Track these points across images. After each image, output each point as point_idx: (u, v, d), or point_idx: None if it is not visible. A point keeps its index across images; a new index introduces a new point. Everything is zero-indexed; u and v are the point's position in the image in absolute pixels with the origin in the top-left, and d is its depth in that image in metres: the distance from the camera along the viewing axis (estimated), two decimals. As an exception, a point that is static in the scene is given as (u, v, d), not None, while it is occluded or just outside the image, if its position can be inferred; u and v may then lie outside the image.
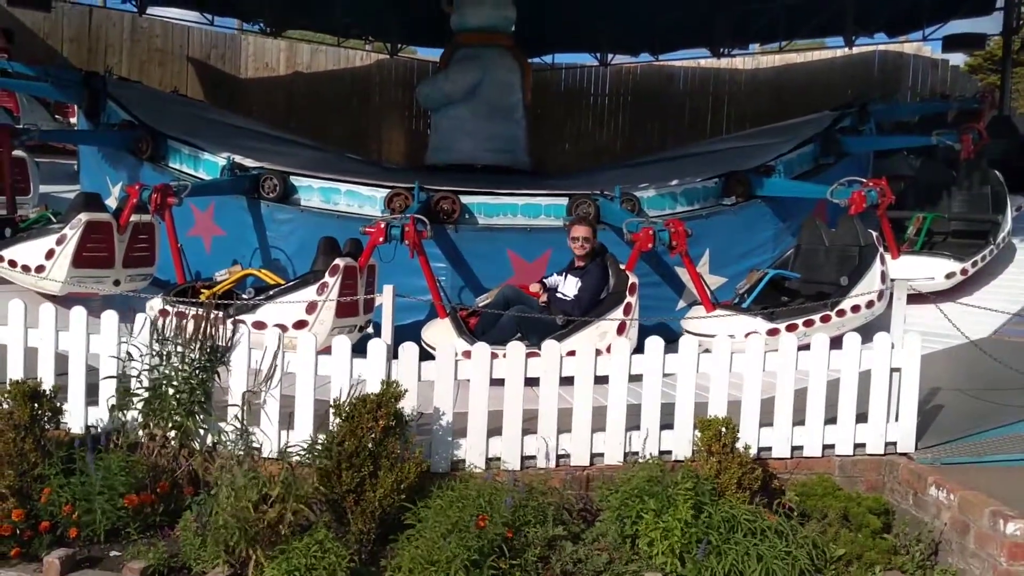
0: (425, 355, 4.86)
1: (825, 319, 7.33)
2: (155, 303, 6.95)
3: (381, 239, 7.16)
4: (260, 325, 6.79)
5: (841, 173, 9.21)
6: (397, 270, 7.59)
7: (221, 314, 4.96)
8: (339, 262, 6.94)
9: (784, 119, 12.71)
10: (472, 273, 8.33)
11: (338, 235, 7.66)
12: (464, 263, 8.32)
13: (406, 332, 7.32)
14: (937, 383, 6.20)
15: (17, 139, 8.53)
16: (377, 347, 4.75)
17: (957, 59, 25.96)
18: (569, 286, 7.27)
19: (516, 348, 4.88)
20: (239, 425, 4.51)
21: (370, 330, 8.09)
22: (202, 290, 7.40)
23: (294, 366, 4.79)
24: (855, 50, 16.78)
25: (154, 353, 4.81)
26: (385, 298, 4.91)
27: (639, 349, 5.05)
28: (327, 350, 4.83)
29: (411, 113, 19.84)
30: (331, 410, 4.46)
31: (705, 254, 8.79)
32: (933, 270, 8.38)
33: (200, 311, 4.86)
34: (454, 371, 4.80)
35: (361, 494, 4.31)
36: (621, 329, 6.91)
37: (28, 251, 7.41)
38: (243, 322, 6.70)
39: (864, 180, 8.14)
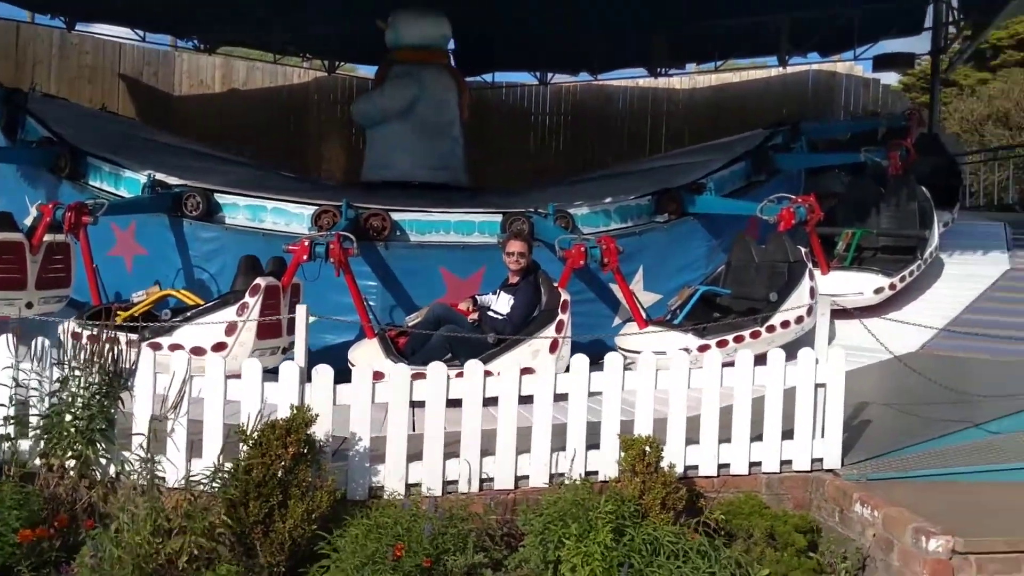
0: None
1: (755, 335, 7.33)
2: (68, 326, 6.66)
3: (305, 257, 6.98)
4: (177, 347, 6.58)
5: (773, 190, 9.26)
6: (326, 289, 7.43)
7: (124, 336, 4.74)
8: (260, 281, 6.73)
9: (721, 137, 12.80)
10: (404, 291, 8.17)
11: (264, 254, 7.46)
12: (395, 281, 8.16)
13: (336, 353, 7.19)
14: (866, 398, 6.22)
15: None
16: (289, 370, 4.57)
17: (891, 78, 26.64)
18: (501, 304, 7.15)
19: (436, 369, 4.74)
20: (143, 454, 4.29)
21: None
22: (118, 312, 7.11)
23: (202, 391, 4.58)
24: (789, 69, 17.07)
25: (53, 378, 4.57)
26: (298, 319, 4.72)
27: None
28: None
29: (350, 130, 19.61)
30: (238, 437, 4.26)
31: (639, 271, 8.74)
32: (862, 285, 8.44)
33: (108, 334, 4.63)
34: (371, 394, 4.64)
35: (270, 525, 4.11)
36: (553, 347, 6.82)
37: (-67, 273, 7.07)
38: (159, 345, 6.57)
39: (793, 197, 8.19)
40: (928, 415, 5.87)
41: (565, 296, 7.01)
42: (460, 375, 4.79)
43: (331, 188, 12.08)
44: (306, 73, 19.86)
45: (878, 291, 8.45)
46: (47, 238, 7.36)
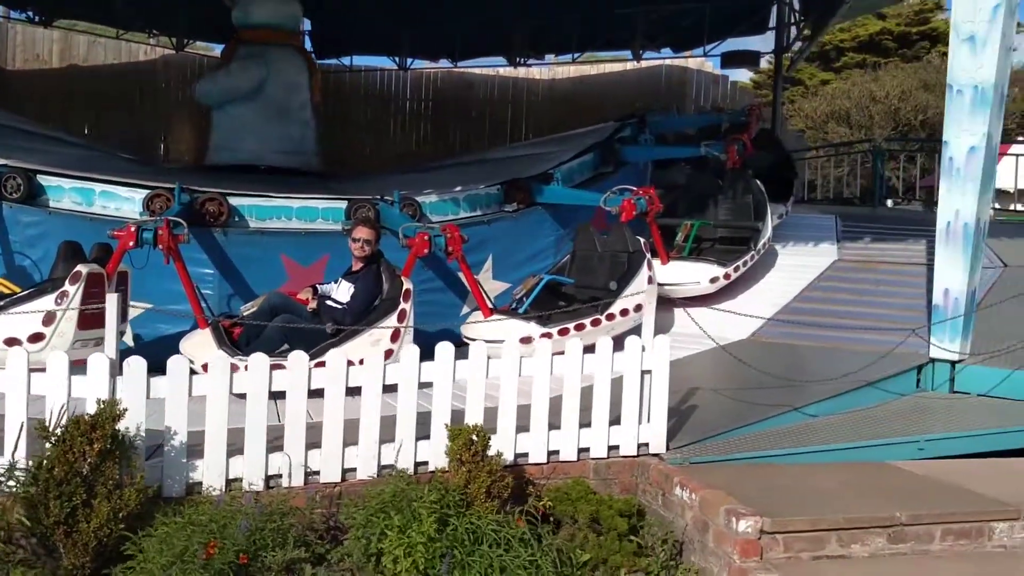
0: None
1: (595, 323, 7.47)
2: None
3: (132, 243, 6.64)
4: (-10, 339, 6.17)
5: (620, 181, 9.47)
6: (162, 276, 7.11)
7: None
8: (81, 268, 6.34)
9: (580, 128, 12.97)
10: (243, 279, 7.89)
11: (92, 240, 7.05)
12: (234, 269, 7.87)
13: (171, 343, 6.88)
14: (696, 384, 6.44)
15: None
16: (97, 362, 4.33)
17: (744, 75, 27.81)
18: (342, 293, 7.00)
19: (258, 360, 4.59)
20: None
21: (130, 341, 7.56)
22: (-76, 301, 6.59)
23: (3, 383, 4.29)
24: (644, 64, 17.50)
25: None
26: (108, 307, 4.48)
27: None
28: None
29: (200, 111, 18.85)
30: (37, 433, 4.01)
31: (488, 260, 8.76)
32: (698, 275, 8.74)
33: None
34: (188, 386, 4.45)
35: (74, 525, 3.89)
36: (395, 337, 6.74)
37: None
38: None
39: (634, 189, 8.37)
40: (752, 400, 6.13)
41: (408, 285, 6.93)
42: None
43: (172, 171, 11.58)
44: (153, 50, 18.97)
45: (713, 280, 8.76)
46: None
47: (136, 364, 4.39)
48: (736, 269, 8.98)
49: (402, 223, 7.79)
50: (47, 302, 6.28)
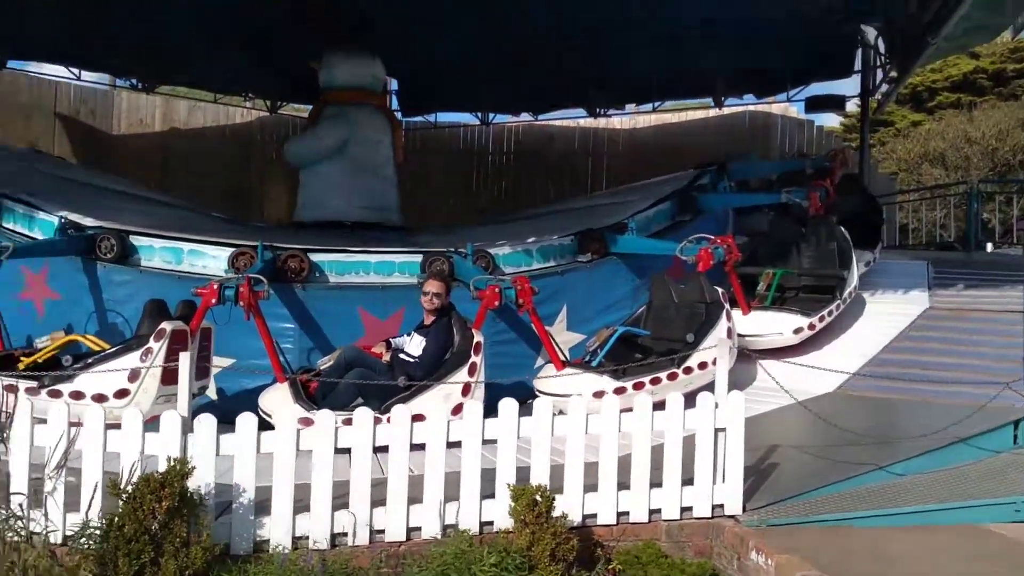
0: (263, 424, 4.59)
1: (672, 376, 7.31)
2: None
3: (214, 300, 6.84)
4: (78, 395, 6.42)
5: (698, 229, 9.32)
6: (244, 332, 7.29)
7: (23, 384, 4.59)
8: (166, 325, 6.58)
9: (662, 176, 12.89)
10: (322, 333, 8.04)
11: (180, 297, 7.31)
12: (313, 323, 8.03)
13: (253, 398, 7.05)
14: (776, 441, 6.22)
15: None
16: (169, 420, 4.43)
17: (832, 119, 27.26)
18: (414, 346, 7.07)
19: (324, 417, 4.64)
20: (18, 510, 4.14)
21: (213, 395, 7.76)
22: (21, 358, 6.92)
23: (81, 441, 4.43)
24: (726, 110, 17.34)
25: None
26: (181, 366, 4.60)
27: (490, 412, 4.88)
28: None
29: (290, 170, 19.50)
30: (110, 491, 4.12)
31: (562, 311, 8.72)
32: (782, 325, 8.50)
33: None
34: (256, 443, 4.51)
35: (141, 582, 3.97)
36: (466, 391, 6.75)
37: None
38: (59, 392, 6.39)
39: (711, 238, 8.24)
40: (835, 458, 5.88)
41: (478, 338, 6.95)
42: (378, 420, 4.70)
43: (260, 229, 11.93)
44: (249, 113, 19.77)
45: (797, 331, 8.50)
46: (-54, 283, 7.15)
47: (206, 422, 4.48)
48: (821, 319, 8.70)
49: (475, 275, 7.83)
50: (132, 359, 6.51)
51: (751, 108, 17.56)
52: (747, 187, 12.99)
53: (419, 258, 8.33)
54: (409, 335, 7.24)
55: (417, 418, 4.79)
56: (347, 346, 7.20)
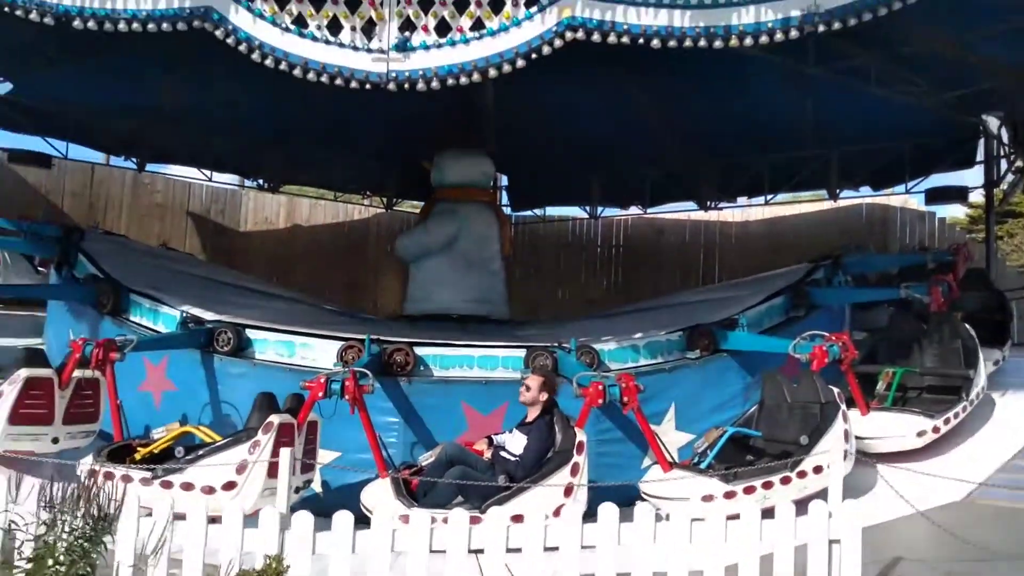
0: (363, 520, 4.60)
1: (785, 480, 6.96)
2: (86, 462, 6.74)
3: (321, 394, 6.96)
4: (188, 486, 6.57)
5: (812, 326, 9.01)
6: (351, 425, 7.36)
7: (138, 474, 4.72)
8: (274, 419, 6.70)
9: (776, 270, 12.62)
10: (425, 427, 8.05)
11: (291, 389, 7.48)
12: (417, 417, 8.06)
13: (358, 491, 7.08)
14: (899, 553, 5.80)
15: (-30, 296, 8.56)
16: (268, 516, 4.47)
17: (955, 210, 26.21)
18: (515, 444, 6.98)
19: (419, 517, 4.59)
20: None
21: (318, 488, 7.83)
22: (138, 448, 7.17)
23: (182, 536, 4.51)
24: (843, 203, 16.93)
25: (40, 520, 4.55)
26: (282, 462, 4.65)
27: (592, 513, 4.75)
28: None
29: (405, 264, 20.03)
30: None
31: (670, 409, 8.49)
32: (903, 428, 8.03)
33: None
34: (351, 543, 4.49)
35: None
36: (568, 491, 6.60)
37: (-35, 409, 7.27)
38: (170, 484, 6.56)
39: (826, 335, 7.93)
40: (962, 572, 5.43)
41: (581, 437, 6.82)
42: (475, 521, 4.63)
43: (370, 321, 12.19)
44: (366, 210, 20.50)
45: (920, 434, 8.01)
46: (77, 373, 7.51)
47: (303, 519, 4.49)
48: (946, 421, 8.18)
49: (578, 371, 7.73)
50: (241, 451, 6.63)
51: (868, 200, 17.08)
52: (865, 281, 12.57)
53: (522, 353, 8.31)
54: (511, 432, 7.17)
55: (516, 519, 4.68)
56: (449, 442, 7.18)
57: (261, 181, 18.73)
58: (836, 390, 7.48)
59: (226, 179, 19.11)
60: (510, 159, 17.89)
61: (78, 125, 15.41)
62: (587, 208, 19.40)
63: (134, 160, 16.91)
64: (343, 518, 4.54)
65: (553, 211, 20.50)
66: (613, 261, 19.97)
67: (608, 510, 4.71)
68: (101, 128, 15.69)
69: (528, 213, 20.26)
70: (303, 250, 19.56)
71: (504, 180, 19.98)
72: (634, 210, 19.23)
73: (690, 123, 15.44)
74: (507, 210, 20.18)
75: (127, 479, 6.58)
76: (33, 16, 6.77)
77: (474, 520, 4.63)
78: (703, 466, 7.33)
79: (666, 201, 18.58)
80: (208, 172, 18.10)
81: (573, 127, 15.99)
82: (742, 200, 18.16)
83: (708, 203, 17.77)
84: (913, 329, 9.28)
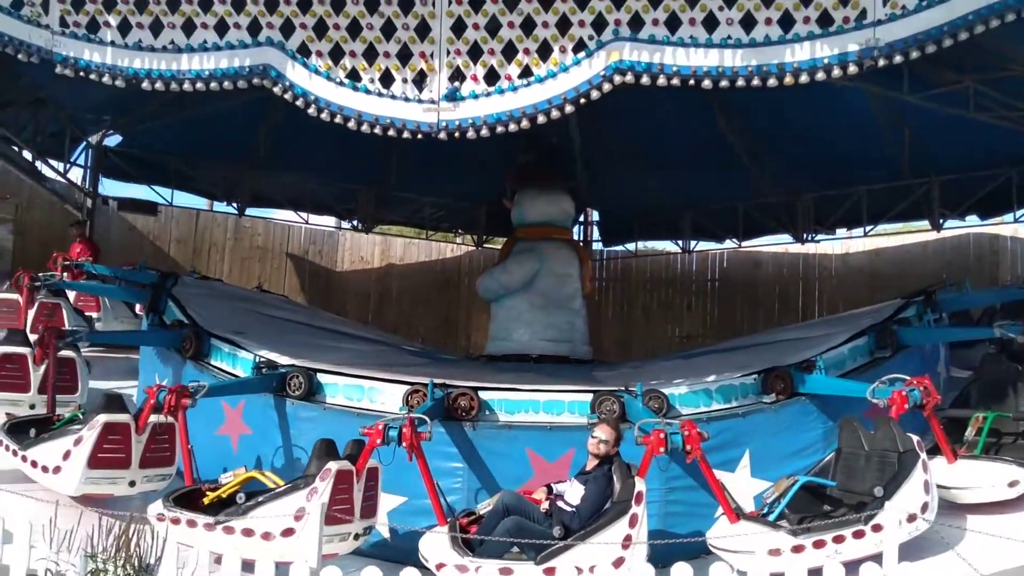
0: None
1: (858, 534, 6.54)
2: (155, 506, 6.97)
3: (379, 440, 7.00)
4: (248, 532, 6.68)
5: (901, 367, 8.55)
6: (414, 470, 7.36)
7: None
8: (332, 465, 6.75)
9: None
10: (489, 473, 7.99)
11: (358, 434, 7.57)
12: (481, 463, 8.01)
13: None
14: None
15: (63, 340, 8.98)
16: (298, 572, 4.49)
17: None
18: (573, 493, 6.85)
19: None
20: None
21: (386, 533, 7.85)
22: (207, 492, 7.35)
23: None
24: (948, 233, 16.14)
25: (85, 570, 4.71)
26: (312, 515, 4.67)
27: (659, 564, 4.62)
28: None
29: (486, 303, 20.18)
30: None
31: (744, 456, 8.19)
32: (994, 477, 7.47)
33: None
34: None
35: None
36: (626, 544, 6.41)
37: (48, 451, 7.62)
38: (232, 529, 6.69)
39: (907, 378, 7.50)
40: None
41: (640, 487, 6.62)
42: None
43: (449, 362, 12.25)
44: (458, 248, 20.74)
45: (1013, 484, 7.41)
46: (153, 418, 7.78)
47: (332, 574, 4.48)
48: (1043, 471, 7.59)
49: (643, 417, 7.54)
50: (299, 498, 6.70)
51: (976, 230, 16.21)
52: (968, 318, 11.90)
53: (589, 397, 8.17)
54: (570, 481, 7.04)
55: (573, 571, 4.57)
56: (507, 491, 7.09)
57: (356, 222, 19.20)
58: (916, 438, 7.04)
59: (323, 221, 19.72)
60: (601, 193, 17.90)
61: (181, 173, 16.22)
62: (680, 242, 19.06)
63: (235, 205, 17.62)
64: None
65: (644, 243, 20.25)
66: (708, 296, 19.51)
67: (681, 571, 4.53)
68: (203, 175, 16.49)
69: (620, 248, 20.07)
70: (397, 289, 19.95)
71: (595, 215, 19.89)
72: (728, 243, 18.78)
73: (782, 154, 15.07)
74: (598, 245, 20.12)
75: (192, 524, 6.76)
76: (106, 80, 7.20)
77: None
78: (772, 517, 7.00)
79: (761, 234, 18.10)
80: (305, 215, 18.69)
81: (663, 160, 15.82)
82: (841, 232, 17.51)
83: (804, 235, 17.19)
84: (1007, 371, 8.66)
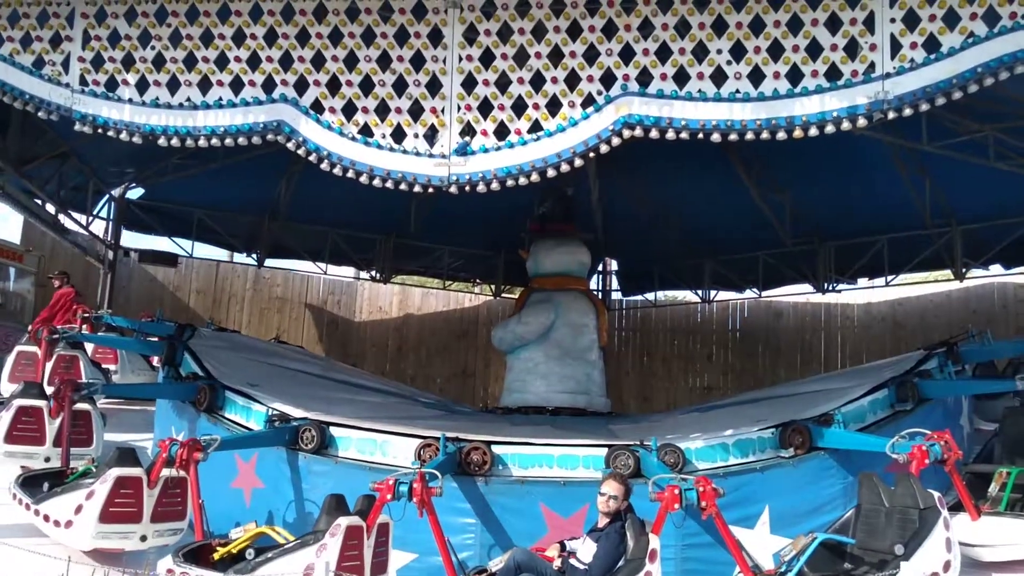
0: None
1: (879, 595, 6.40)
2: (164, 562, 6.91)
3: (389, 496, 6.92)
4: (259, 589, 6.60)
5: (922, 421, 8.40)
6: (423, 527, 7.26)
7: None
8: (342, 521, 6.67)
9: (902, 354, 11.95)
10: (502, 529, 7.87)
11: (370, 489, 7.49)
12: (494, 518, 7.90)
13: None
14: None
15: (78, 393, 9.00)
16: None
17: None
18: (585, 551, 6.72)
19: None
20: None
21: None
22: (217, 548, 7.28)
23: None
24: (971, 282, 15.98)
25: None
26: (318, 573, 4.60)
27: None
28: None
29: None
30: None
31: (763, 512, 8.03)
32: (1019, 535, 7.27)
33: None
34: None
35: None
36: (643, 605, 6.27)
37: (60, 506, 7.58)
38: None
39: (927, 432, 7.35)
40: None
41: (654, 544, 6.47)
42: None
43: (463, 415, 12.17)
44: (476, 297, 20.76)
45: (1038, 542, 7.25)
46: (165, 472, 7.75)
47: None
48: (1070, 528, 7.38)
49: (659, 472, 7.41)
50: (308, 554, 6.61)
51: (999, 279, 16.02)
52: (993, 370, 11.68)
53: (604, 452, 8.06)
54: (583, 538, 6.91)
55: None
56: (519, 548, 6.96)
57: (375, 272, 19.29)
58: (937, 494, 6.86)
59: (342, 271, 19.86)
60: (619, 243, 17.93)
61: (201, 225, 16.41)
62: (699, 291, 18.98)
63: (255, 256, 17.77)
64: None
65: (665, 295, 20.21)
66: (729, 346, 19.39)
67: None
68: (223, 227, 16.67)
69: (639, 297, 20.02)
70: (415, 339, 19.99)
71: (614, 265, 19.89)
72: (749, 293, 18.69)
73: (802, 203, 15.06)
74: (617, 295, 20.08)
75: (198, 581, 6.69)
76: (124, 136, 7.32)
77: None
78: (790, 576, 6.83)
79: (781, 284, 18.00)
80: (324, 265, 18.81)
81: (682, 210, 15.87)
82: (862, 281, 17.37)
83: (825, 285, 17.06)
84: (1031, 424, 8.50)
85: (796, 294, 18.51)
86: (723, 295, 19.17)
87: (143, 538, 7.70)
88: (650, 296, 19.86)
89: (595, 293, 14.02)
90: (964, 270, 15.26)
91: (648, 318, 19.97)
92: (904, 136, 11.25)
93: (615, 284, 20.08)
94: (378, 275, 19.20)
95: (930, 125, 10.63)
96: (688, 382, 19.47)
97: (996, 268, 15.54)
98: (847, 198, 14.44)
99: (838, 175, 13.78)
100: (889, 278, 16.47)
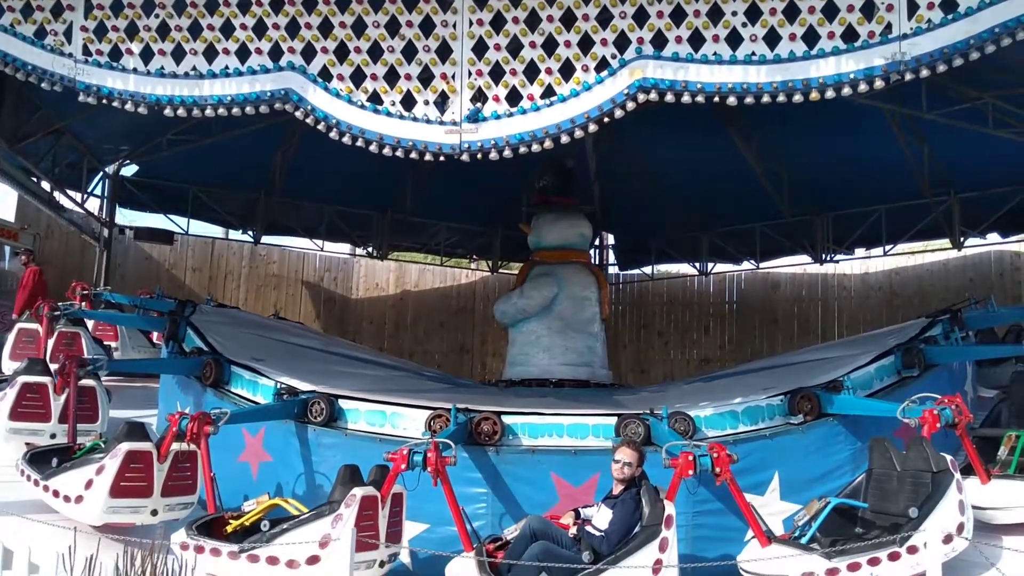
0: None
1: (894, 556, 6.40)
2: (179, 535, 6.88)
3: (403, 466, 6.90)
4: (273, 560, 6.59)
5: (929, 386, 8.45)
6: (437, 497, 7.25)
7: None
8: (356, 492, 6.66)
9: (900, 323, 11.99)
10: (514, 498, 7.88)
11: (381, 460, 7.47)
12: (505, 488, 7.91)
13: (446, 564, 6.96)
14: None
15: (84, 369, 8.94)
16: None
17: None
18: (601, 518, 6.73)
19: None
20: None
21: (406, 560, 7.73)
22: (230, 521, 7.26)
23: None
24: (969, 251, 16.03)
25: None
26: (342, 541, 4.58)
27: None
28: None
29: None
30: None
31: (774, 478, 8.05)
32: (1029, 498, 7.34)
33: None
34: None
35: None
36: (656, 568, 6.28)
37: (70, 481, 7.55)
38: (256, 557, 6.60)
39: (938, 397, 7.38)
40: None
41: (670, 510, 6.49)
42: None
43: (468, 387, 12.15)
44: (473, 273, 20.71)
45: (1050, 504, 7.30)
46: (174, 446, 7.71)
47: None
48: (1079, 489, 7.43)
49: (670, 440, 7.42)
50: (324, 525, 6.60)
51: (996, 248, 16.08)
52: (993, 336, 11.74)
53: (613, 420, 8.06)
54: (597, 505, 6.93)
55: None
56: (533, 516, 6.98)
57: (371, 249, 19.21)
58: (949, 458, 6.91)
59: (339, 248, 19.74)
60: (616, 217, 17.88)
61: (197, 202, 16.27)
62: (697, 264, 18.97)
63: (251, 233, 17.64)
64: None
65: (661, 266, 20.19)
66: (726, 318, 19.41)
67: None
68: (219, 204, 16.53)
69: (636, 271, 20.00)
70: (412, 315, 19.95)
71: (610, 239, 19.85)
72: (746, 265, 18.70)
73: (800, 173, 15.05)
74: (614, 269, 20.06)
75: (216, 552, 6.68)
76: (128, 107, 7.21)
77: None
78: (804, 540, 6.86)
79: (778, 255, 18.02)
80: (320, 242, 18.70)
81: (679, 182, 15.84)
82: (860, 251, 17.39)
83: (823, 256, 17.08)
84: (1039, 388, 8.55)
85: (793, 265, 18.55)
86: (720, 267, 19.19)
87: (154, 512, 7.68)
88: (647, 269, 19.81)
89: (597, 266, 13.91)
90: (962, 239, 15.28)
91: (645, 291, 19.97)
92: (904, 104, 11.21)
93: (612, 259, 20.03)
94: (375, 251, 19.12)
95: (930, 92, 10.60)
96: (685, 354, 19.50)
97: (993, 236, 15.57)
98: (845, 168, 14.39)
99: (836, 145, 13.75)
100: (887, 248, 16.49)
